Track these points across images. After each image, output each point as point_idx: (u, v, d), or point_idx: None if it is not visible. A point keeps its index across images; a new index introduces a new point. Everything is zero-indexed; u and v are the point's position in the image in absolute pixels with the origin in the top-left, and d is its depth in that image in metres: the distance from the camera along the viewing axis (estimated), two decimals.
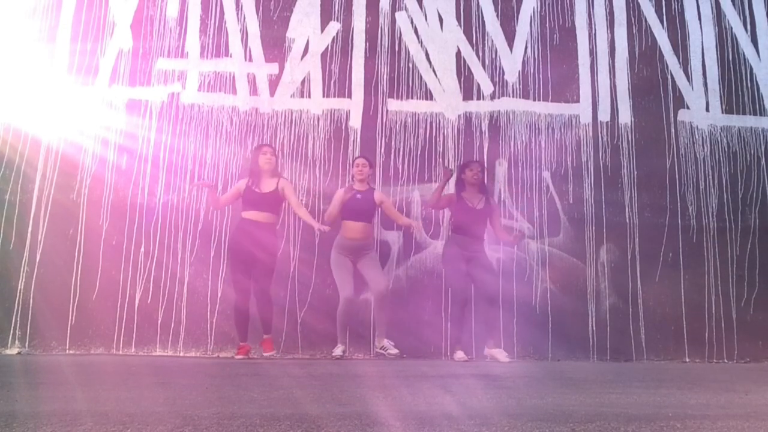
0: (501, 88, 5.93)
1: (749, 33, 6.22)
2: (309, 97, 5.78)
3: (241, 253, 4.76)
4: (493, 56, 5.99)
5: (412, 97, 5.84)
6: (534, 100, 5.92)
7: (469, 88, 5.90)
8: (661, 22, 6.16)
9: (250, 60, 5.84)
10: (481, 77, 5.94)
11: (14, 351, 5.07)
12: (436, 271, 5.44)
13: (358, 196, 4.98)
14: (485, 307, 4.93)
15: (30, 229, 5.32)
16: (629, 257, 5.61)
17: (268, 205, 4.84)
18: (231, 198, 5.04)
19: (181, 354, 5.17)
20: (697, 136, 5.95)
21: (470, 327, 5.10)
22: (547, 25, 6.09)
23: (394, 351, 4.81)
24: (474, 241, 4.99)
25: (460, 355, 4.79)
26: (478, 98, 5.90)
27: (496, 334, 4.95)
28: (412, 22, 5.99)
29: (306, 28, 5.92)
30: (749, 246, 5.71)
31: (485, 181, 5.28)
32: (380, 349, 4.84)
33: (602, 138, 5.87)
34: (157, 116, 5.65)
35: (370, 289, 4.98)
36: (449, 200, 5.08)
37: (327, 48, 5.89)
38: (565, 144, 5.84)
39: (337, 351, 4.80)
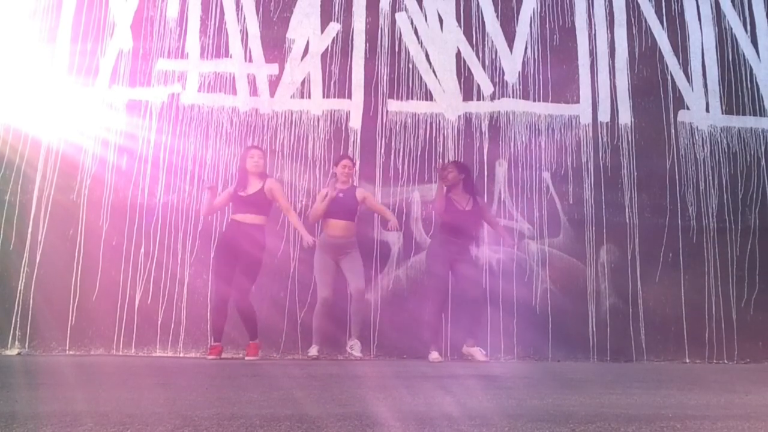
0: (501, 89, 5.93)
1: (749, 33, 6.22)
2: (309, 97, 5.78)
3: (224, 253, 4.82)
4: (493, 57, 5.99)
5: (412, 98, 5.84)
6: (534, 100, 5.92)
7: (469, 89, 5.91)
8: (661, 22, 6.16)
9: (250, 61, 5.84)
10: (481, 78, 5.94)
11: (14, 352, 5.07)
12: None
13: (341, 194, 4.97)
14: (471, 307, 4.89)
15: (30, 229, 5.32)
16: (629, 258, 5.61)
17: (252, 206, 4.83)
18: (223, 202, 5.05)
19: (181, 355, 5.17)
20: (697, 137, 5.95)
21: (444, 328, 5.08)
22: (547, 25, 6.09)
23: (358, 354, 4.80)
24: (460, 243, 4.93)
25: (435, 356, 4.72)
26: (478, 99, 5.90)
27: (477, 333, 4.98)
28: (412, 23, 6.00)
29: (306, 28, 5.92)
30: (749, 247, 5.71)
31: (473, 181, 5.21)
32: (348, 347, 4.86)
33: (602, 138, 5.87)
34: (157, 117, 5.65)
35: (348, 286, 4.95)
36: (440, 189, 4.99)
37: (327, 49, 5.89)
38: (565, 145, 5.84)
39: (312, 351, 4.79)
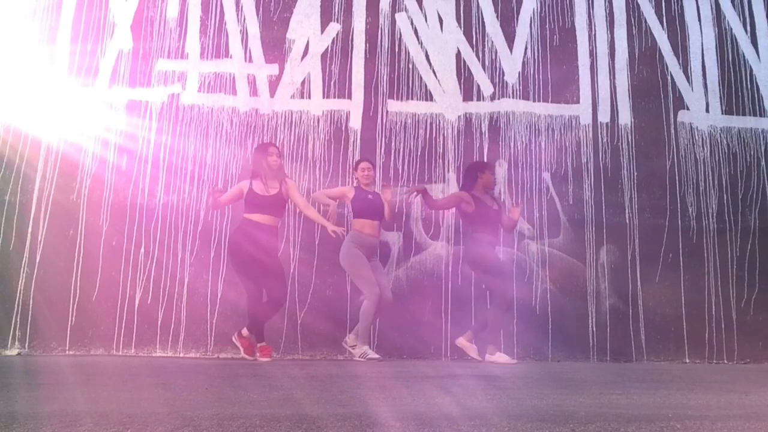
0: (501, 89, 5.93)
1: (749, 34, 6.23)
2: (309, 98, 5.78)
3: (245, 256, 4.61)
4: (493, 57, 5.99)
5: (412, 98, 5.84)
6: (534, 101, 5.92)
7: (469, 89, 5.91)
8: (661, 23, 6.16)
9: (250, 61, 5.84)
10: (481, 78, 5.94)
11: (14, 352, 5.07)
12: (436, 272, 5.45)
13: (370, 196, 4.98)
14: (497, 310, 4.89)
15: (30, 229, 5.32)
16: (629, 258, 5.61)
17: (274, 208, 4.71)
18: (232, 198, 4.89)
19: (181, 355, 5.17)
20: (697, 137, 5.95)
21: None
22: (547, 26, 6.09)
23: (358, 355, 4.70)
24: (498, 244, 5.00)
25: (505, 357, 4.73)
26: (478, 99, 5.90)
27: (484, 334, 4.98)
28: (412, 23, 6.00)
29: (306, 29, 5.92)
30: (749, 247, 5.71)
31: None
32: (350, 346, 4.77)
33: (602, 139, 5.87)
34: (157, 117, 5.65)
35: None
36: (457, 200, 4.97)
37: (327, 49, 5.89)
38: (565, 145, 5.84)
39: (372, 353, 4.66)
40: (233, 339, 4.76)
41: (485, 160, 5.61)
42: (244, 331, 4.70)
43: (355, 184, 5.11)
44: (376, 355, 4.67)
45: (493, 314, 4.84)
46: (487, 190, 5.04)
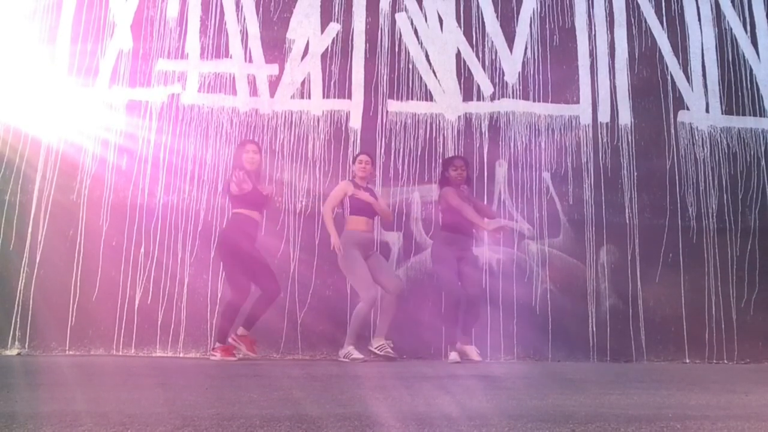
0: (501, 89, 5.93)
1: (749, 34, 6.23)
2: (309, 98, 5.78)
3: (244, 253, 4.64)
4: (493, 57, 5.99)
5: (412, 98, 5.84)
6: (534, 101, 5.92)
7: (469, 89, 5.91)
8: (661, 23, 6.16)
9: (250, 61, 5.84)
10: (481, 78, 5.94)
11: (14, 352, 5.07)
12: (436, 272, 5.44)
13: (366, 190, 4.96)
14: (471, 305, 4.81)
15: (30, 229, 5.32)
16: (629, 258, 5.61)
17: (264, 206, 4.85)
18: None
19: (181, 355, 5.17)
20: (697, 137, 5.95)
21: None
22: (547, 26, 6.09)
23: (391, 354, 4.71)
24: (466, 239, 4.90)
25: (454, 356, 4.65)
26: (478, 99, 5.90)
27: (471, 331, 4.91)
28: (412, 23, 6.00)
29: (306, 29, 5.92)
30: (749, 247, 5.71)
31: (471, 176, 5.20)
32: (377, 349, 4.71)
33: (602, 139, 5.87)
34: (157, 117, 5.65)
35: (386, 288, 4.82)
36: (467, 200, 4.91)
37: (327, 49, 5.89)
38: (565, 145, 5.84)
39: (356, 353, 4.64)
40: (230, 340, 4.66)
41: (475, 158, 5.56)
42: (240, 330, 4.68)
43: (350, 178, 5.06)
44: (360, 355, 4.63)
45: (446, 312, 4.79)
46: (457, 185, 4.93)
